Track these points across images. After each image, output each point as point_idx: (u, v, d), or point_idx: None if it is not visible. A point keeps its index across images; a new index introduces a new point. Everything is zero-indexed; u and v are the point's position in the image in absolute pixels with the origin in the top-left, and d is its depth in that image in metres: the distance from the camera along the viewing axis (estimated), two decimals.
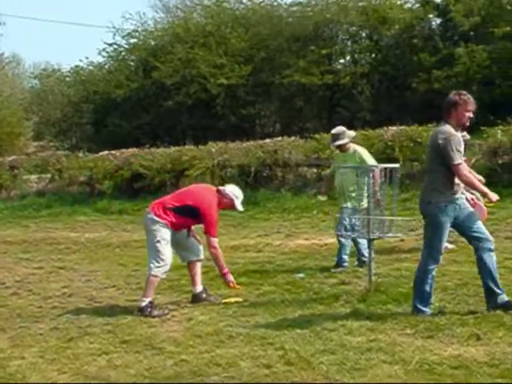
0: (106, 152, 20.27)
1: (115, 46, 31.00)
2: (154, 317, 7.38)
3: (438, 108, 21.66)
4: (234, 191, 8.02)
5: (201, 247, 8.08)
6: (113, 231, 15.13)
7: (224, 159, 17.54)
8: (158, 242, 7.61)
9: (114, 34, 31.10)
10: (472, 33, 24.94)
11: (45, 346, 6.50)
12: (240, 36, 27.79)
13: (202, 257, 8.08)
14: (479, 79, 22.81)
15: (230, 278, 7.90)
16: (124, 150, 19.73)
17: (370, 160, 9.40)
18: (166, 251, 7.64)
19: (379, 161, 13.83)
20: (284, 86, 26.69)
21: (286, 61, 26.62)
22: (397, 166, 7.56)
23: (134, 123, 28.38)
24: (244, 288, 8.49)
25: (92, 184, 19.31)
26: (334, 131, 9.58)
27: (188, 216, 7.75)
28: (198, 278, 8.02)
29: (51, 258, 11.82)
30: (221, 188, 8.05)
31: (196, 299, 7.93)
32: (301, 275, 9.13)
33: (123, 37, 30.97)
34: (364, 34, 28.12)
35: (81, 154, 21.94)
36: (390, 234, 7.64)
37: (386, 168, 7.37)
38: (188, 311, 7.54)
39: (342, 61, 28.96)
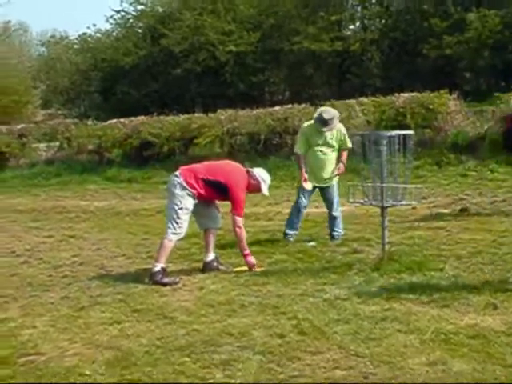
0: (115, 120, 20.16)
1: (123, 13, 30.86)
2: (164, 284, 7.32)
3: (450, 74, 21.60)
4: (262, 174, 7.95)
5: (219, 215, 8.02)
6: (122, 199, 15.08)
7: (233, 127, 17.40)
8: (181, 209, 7.56)
9: (122, 1, 30.97)
10: None
11: (56, 315, 6.45)
12: (248, 2, 27.55)
13: (219, 225, 8.04)
14: (491, 44, 22.55)
15: (251, 259, 7.81)
16: (133, 118, 19.61)
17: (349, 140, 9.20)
18: (186, 220, 7.61)
19: (391, 128, 13.77)
20: (293, 53, 26.49)
21: (295, 27, 26.39)
22: (411, 132, 7.42)
23: (143, 91, 28.29)
24: (255, 256, 8.41)
25: (101, 152, 19.22)
26: (327, 115, 8.89)
27: (217, 191, 7.69)
28: (212, 247, 7.96)
29: (61, 226, 11.77)
30: (250, 169, 7.98)
31: (207, 267, 7.87)
32: (312, 243, 9.05)
33: (131, 3, 30.81)
34: (374, 0, 27.80)
35: (89, 122, 21.87)
36: (404, 202, 7.52)
37: (399, 135, 7.23)
38: (199, 280, 7.47)
39: (351, 27, 28.74)
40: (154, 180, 16.78)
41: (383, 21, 27.19)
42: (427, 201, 11.61)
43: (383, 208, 7.45)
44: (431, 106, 15.18)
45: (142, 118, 19.53)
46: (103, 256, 9.16)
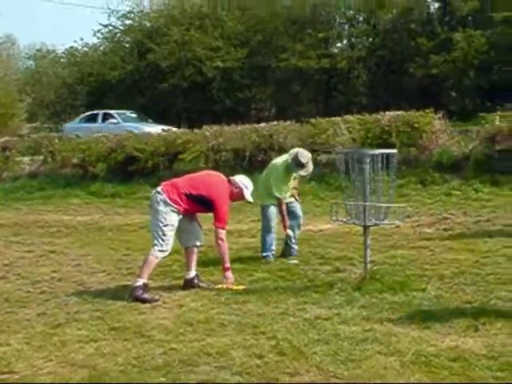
0: (100, 134, 20.04)
1: (110, 28, 30.80)
2: (144, 300, 7.23)
3: (436, 93, 21.69)
4: (243, 181, 7.91)
5: (201, 233, 7.94)
6: (105, 214, 14.94)
7: (219, 143, 17.33)
8: (166, 225, 7.49)
9: (109, 15, 31.06)
10: (470, 17, 24.77)
11: (31, 332, 6.33)
12: (236, 18, 27.62)
13: (202, 243, 7.96)
14: (477, 65, 22.68)
15: (230, 275, 7.73)
16: (117, 133, 19.50)
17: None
18: (171, 236, 7.56)
19: (376, 146, 13.76)
20: (280, 70, 26.54)
21: (283, 44, 26.45)
22: (394, 151, 7.36)
23: (129, 105, 28.17)
24: (237, 274, 8.32)
25: (85, 166, 19.07)
26: (304, 159, 8.99)
27: (200, 204, 7.64)
28: (193, 264, 7.87)
29: (42, 241, 11.62)
30: (231, 178, 7.94)
31: (188, 285, 7.77)
32: (294, 261, 8.98)
33: (118, 18, 30.87)
34: (361, 18, 27.93)
35: (73, 136, 21.69)
36: (386, 221, 7.47)
37: (382, 153, 7.18)
38: (179, 297, 7.37)
39: (338, 45, 28.84)
40: (138, 195, 16.65)
41: (370, 39, 27.30)
42: (411, 220, 11.55)
43: (365, 227, 7.39)
44: (416, 125, 15.17)
45: (126, 132, 19.42)
46: (83, 272, 9.03)
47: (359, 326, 6.00)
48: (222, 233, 7.63)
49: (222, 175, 8.11)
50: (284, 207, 9.13)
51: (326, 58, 25.75)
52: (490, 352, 5.22)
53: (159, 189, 7.67)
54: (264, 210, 9.34)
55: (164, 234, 7.49)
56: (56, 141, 20.89)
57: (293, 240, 9.36)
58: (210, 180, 7.89)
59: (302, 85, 27.66)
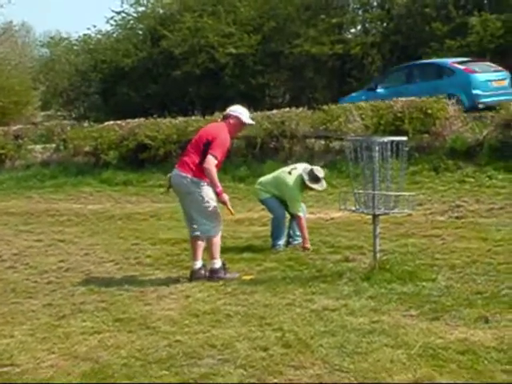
0: (112, 122, 19.95)
1: (123, 15, 30.62)
2: (226, 279, 7.41)
3: None
4: (235, 109, 7.92)
5: (212, 224, 7.73)
6: (117, 203, 14.90)
7: None
8: (207, 201, 7.55)
9: (122, 2, 30.83)
10: (486, 1, 24.41)
11: (36, 324, 6.30)
12: (249, 4, 27.35)
13: (209, 233, 7.78)
14: (493, 49, 22.34)
15: (225, 197, 7.63)
16: (129, 120, 19.40)
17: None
18: (217, 209, 7.63)
19: (388, 133, 13.60)
20: (294, 56, 26.28)
21: (296, 30, 26.18)
22: (404, 139, 7.21)
23: (143, 93, 28.10)
24: (246, 264, 8.26)
25: (97, 154, 19.01)
26: (320, 174, 9.13)
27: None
28: (201, 253, 7.76)
29: (52, 230, 11.60)
30: (223, 114, 7.97)
31: (195, 276, 7.68)
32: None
33: (131, 5, 30.61)
34: (375, 3, 27.61)
35: (86, 124, 21.62)
36: (396, 210, 7.34)
37: (392, 141, 7.05)
38: (186, 288, 7.30)
39: (352, 30, 28.49)
40: (150, 183, 16.59)
41: (384, 24, 26.95)
42: (423, 207, 11.41)
43: (375, 216, 7.28)
44: (430, 111, 14.97)
45: (138, 120, 19.33)
46: (91, 262, 9.00)
47: (367, 317, 5.90)
48: (212, 159, 7.45)
49: (214, 122, 8.21)
50: (304, 223, 9.02)
51: (339, 44, 25.47)
52: (500, 345, 5.11)
53: (180, 172, 7.61)
54: (267, 205, 9.28)
55: (211, 211, 7.55)
56: (68, 129, 20.86)
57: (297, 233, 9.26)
58: (205, 129, 7.95)
59: (316, 71, 27.41)
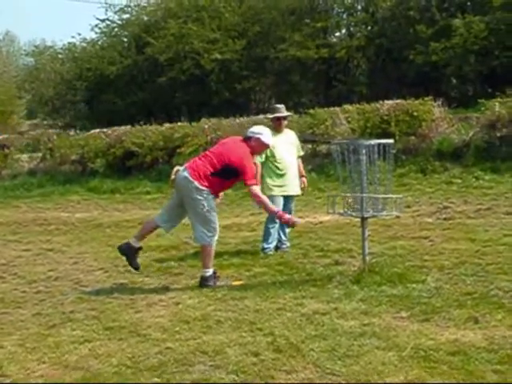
0: (98, 130, 19.94)
1: (108, 22, 30.56)
2: (218, 287, 7.36)
3: (436, 80, 21.43)
4: (256, 130, 7.88)
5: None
6: (104, 211, 14.87)
7: (217, 136, 17.17)
8: (208, 211, 7.50)
9: (107, 10, 30.76)
10: (469, 3, 24.53)
11: (25, 334, 6.25)
12: (234, 10, 27.35)
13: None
14: (477, 50, 22.42)
15: (287, 217, 7.69)
16: (116, 128, 19.41)
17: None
18: (215, 218, 7.59)
19: (375, 136, 13.63)
20: (279, 61, 26.30)
21: (281, 35, 26.21)
22: (390, 141, 7.24)
23: (128, 100, 28.04)
24: (235, 269, 8.26)
25: (84, 163, 18.98)
26: (275, 104, 9.61)
27: (228, 177, 7.64)
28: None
29: (40, 239, 11.55)
30: (244, 136, 7.88)
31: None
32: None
33: (116, 12, 30.53)
34: (360, 7, 27.68)
35: (72, 133, 21.58)
36: (384, 213, 7.36)
37: (379, 144, 7.07)
38: (176, 295, 7.28)
39: (337, 34, 28.51)
40: (137, 190, 16.57)
41: (369, 27, 27.01)
42: (411, 209, 11.46)
43: (363, 219, 7.29)
44: (416, 114, 15.04)
45: (124, 127, 19.32)
46: (80, 270, 8.96)
47: (357, 320, 5.91)
48: (255, 189, 7.56)
49: (235, 138, 8.10)
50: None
51: (324, 48, 25.50)
52: (491, 345, 5.12)
53: (188, 176, 7.53)
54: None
55: (209, 220, 7.52)
56: (54, 137, 20.81)
57: (283, 238, 9.25)
58: (228, 147, 7.80)
59: (302, 75, 27.42)
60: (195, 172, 7.54)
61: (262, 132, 7.86)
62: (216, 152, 7.75)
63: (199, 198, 7.48)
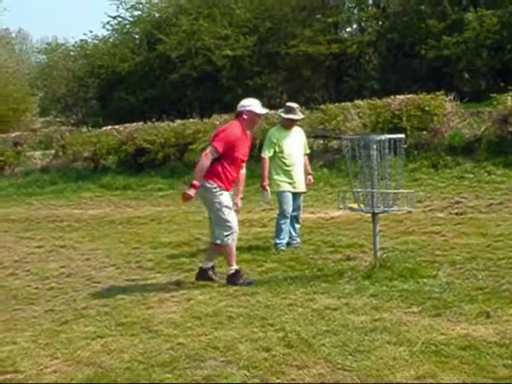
0: (110, 127, 20.02)
1: (119, 19, 30.67)
2: (240, 284, 7.29)
3: (448, 75, 21.31)
4: (245, 103, 7.69)
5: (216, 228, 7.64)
6: (116, 207, 14.93)
7: None
8: (220, 210, 7.42)
9: (118, 7, 30.89)
10: None
11: (38, 330, 6.29)
12: (245, 6, 27.38)
13: (213, 239, 7.70)
14: (489, 45, 22.36)
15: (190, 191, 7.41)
16: (128, 125, 19.46)
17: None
18: (231, 217, 7.46)
19: (387, 131, 13.60)
20: (290, 56, 26.29)
21: (292, 30, 26.20)
22: (401, 136, 7.22)
23: (140, 97, 28.16)
24: (246, 265, 8.26)
25: (96, 159, 19.06)
26: (291, 104, 9.40)
27: (219, 157, 7.41)
28: (212, 256, 7.75)
29: (52, 236, 11.62)
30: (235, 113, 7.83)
31: (202, 275, 7.64)
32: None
33: (127, 9, 30.64)
34: (371, 1, 27.63)
35: (84, 130, 21.67)
36: (395, 208, 7.35)
37: (389, 139, 7.05)
38: (188, 291, 7.30)
39: (348, 29, 28.53)
40: (149, 187, 16.63)
41: (380, 22, 26.95)
42: (423, 204, 11.44)
43: (374, 214, 7.28)
44: (427, 108, 14.98)
45: (136, 124, 19.38)
46: (92, 267, 9.00)
47: (368, 315, 5.90)
48: (203, 154, 7.44)
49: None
50: (265, 164, 9.20)
51: (335, 43, 25.51)
52: (502, 339, 5.11)
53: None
54: (279, 197, 9.22)
55: (223, 219, 7.41)
56: (67, 134, 20.90)
57: (293, 233, 9.26)
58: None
59: (313, 71, 27.44)
60: (205, 174, 7.45)
61: (251, 103, 7.66)
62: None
63: (210, 197, 7.43)
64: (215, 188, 7.41)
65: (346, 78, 26.31)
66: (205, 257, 7.93)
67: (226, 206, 7.44)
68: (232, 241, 7.50)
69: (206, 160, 7.36)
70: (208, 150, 7.43)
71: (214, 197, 7.42)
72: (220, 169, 7.43)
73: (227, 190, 7.53)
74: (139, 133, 18.30)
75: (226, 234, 7.44)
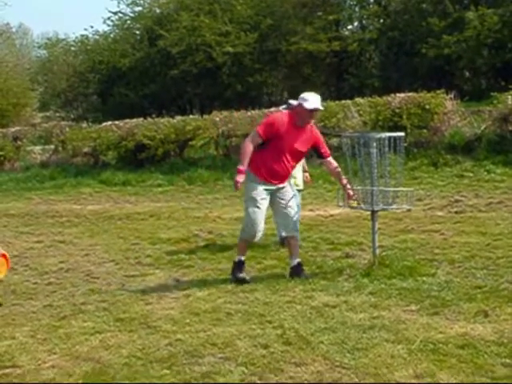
0: (110, 123, 19.99)
1: (120, 15, 30.69)
2: (237, 279, 7.23)
3: (448, 73, 21.38)
4: (301, 95, 7.37)
5: (294, 218, 7.45)
6: (116, 203, 14.92)
7: (228, 129, 17.23)
8: (245, 201, 7.28)
9: (119, 2, 30.96)
10: None
11: (37, 325, 6.29)
12: (246, 2, 27.41)
13: (288, 233, 7.45)
14: (490, 43, 22.38)
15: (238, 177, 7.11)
16: (128, 121, 19.45)
17: None
18: (252, 212, 7.15)
19: (387, 129, 13.59)
20: (291, 54, 26.32)
21: (293, 27, 26.23)
22: (401, 134, 7.21)
23: (140, 93, 28.17)
24: (246, 262, 8.23)
25: (96, 155, 19.06)
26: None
27: (266, 149, 7.13)
28: (294, 252, 7.45)
29: (52, 231, 11.61)
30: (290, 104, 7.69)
31: (293, 273, 7.39)
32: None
33: (128, 5, 30.67)
34: (372, 0, 27.64)
35: (84, 125, 21.65)
36: (395, 206, 7.35)
37: (389, 137, 7.05)
38: (186, 287, 7.29)
39: (349, 27, 28.56)
40: (149, 183, 16.63)
41: (381, 20, 26.98)
42: (422, 203, 11.44)
43: (373, 212, 7.28)
44: (428, 107, 14.99)
45: (136, 120, 19.37)
46: (91, 262, 9.00)
47: (367, 313, 5.90)
48: (247, 140, 7.18)
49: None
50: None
51: (336, 41, 25.56)
52: (500, 338, 5.11)
53: None
54: None
55: (246, 211, 7.22)
56: (67, 130, 20.88)
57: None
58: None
59: (314, 68, 27.47)
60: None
61: (307, 98, 7.25)
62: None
63: (245, 185, 7.19)
64: (250, 174, 7.16)
65: (346, 76, 26.34)
66: (290, 256, 7.53)
67: (251, 198, 7.17)
68: (245, 238, 7.38)
69: (248, 144, 7.11)
70: (247, 139, 7.24)
71: (246, 187, 7.22)
72: (260, 158, 7.15)
73: (266, 180, 7.19)
74: (139, 128, 18.29)
75: (243, 227, 7.34)
